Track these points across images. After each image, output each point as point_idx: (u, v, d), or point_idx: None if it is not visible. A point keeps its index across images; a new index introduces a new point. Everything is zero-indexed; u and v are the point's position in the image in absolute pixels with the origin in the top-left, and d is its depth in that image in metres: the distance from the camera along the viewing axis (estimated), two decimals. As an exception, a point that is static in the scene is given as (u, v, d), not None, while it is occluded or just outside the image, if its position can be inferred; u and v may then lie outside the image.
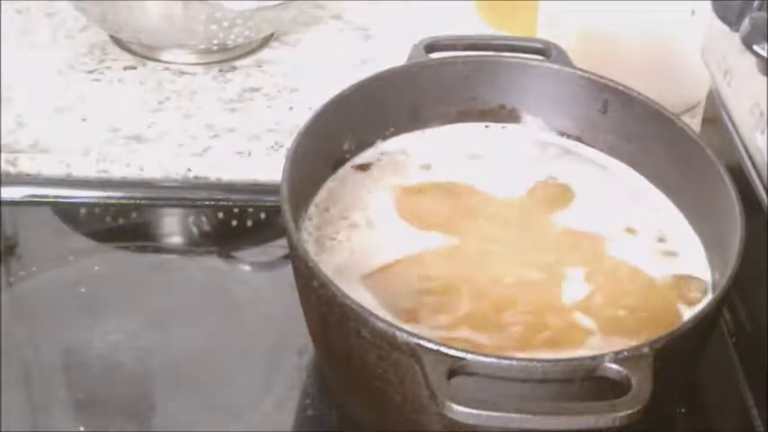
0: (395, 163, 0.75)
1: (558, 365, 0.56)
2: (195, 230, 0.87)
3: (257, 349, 0.73)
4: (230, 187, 0.87)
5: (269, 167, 0.85)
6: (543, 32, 0.91)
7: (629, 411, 0.54)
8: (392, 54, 0.86)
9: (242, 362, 0.73)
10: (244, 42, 0.97)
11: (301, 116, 0.84)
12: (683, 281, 0.68)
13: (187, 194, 0.86)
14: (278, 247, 0.81)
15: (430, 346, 0.56)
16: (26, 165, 0.86)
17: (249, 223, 0.86)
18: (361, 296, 0.63)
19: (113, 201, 0.85)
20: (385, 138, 0.76)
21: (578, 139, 0.77)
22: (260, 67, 0.98)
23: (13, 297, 0.77)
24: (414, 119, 0.77)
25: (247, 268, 0.83)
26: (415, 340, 0.57)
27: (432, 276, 0.67)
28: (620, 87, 0.75)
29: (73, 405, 0.71)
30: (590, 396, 0.56)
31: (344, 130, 0.74)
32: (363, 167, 0.74)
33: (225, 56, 0.98)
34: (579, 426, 0.54)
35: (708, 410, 0.72)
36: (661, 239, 0.71)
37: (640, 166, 0.75)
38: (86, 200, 0.85)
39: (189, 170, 0.87)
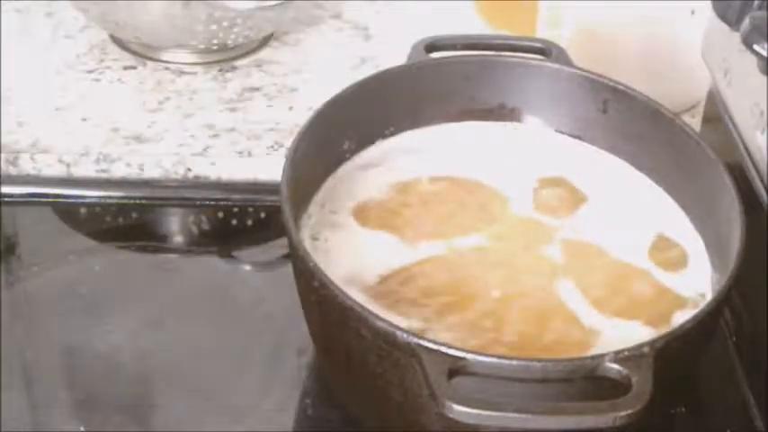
0: (394, 162, 0.75)
1: (558, 365, 0.56)
2: (195, 230, 0.87)
3: (257, 349, 0.73)
4: (230, 187, 0.87)
5: (269, 167, 0.85)
6: (543, 32, 0.91)
7: (630, 411, 0.54)
8: (392, 54, 0.87)
9: (242, 362, 0.73)
10: (244, 42, 0.97)
11: (301, 116, 0.84)
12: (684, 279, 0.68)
13: (187, 194, 0.86)
14: (278, 247, 0.81)
15: (430, 345, 0.56)
16: (26, 165, 0.86)
17: (249, 223, 0.86)
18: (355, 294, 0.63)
19: (113, 201, 0.85)
20: (385, 137, 0.76)
21: (578, 138, 0.77)
22: (260, 66, 0.98)
23: (13, 297, 0.77)
24: (414, 118, 0.77)
25: (247, 268, 0.83)
26: (416, 340, 0.57)
27: (429, 282, 0.67)
28: (620, 87, 0.75)
29: (73, 405, 0.71)
30: (590, 396, 0.56)
31: (344, 130, 0.74)
32: (363, 167, 0.74)
33: (225, 56, 0.98)
34: (579, 426, 0.54)
35: (708, 410, 0.72)
36: (663, 238, 0.71)
37: (641, 165, 0.75)
38: (86, 200, 0.85)
39: (189, 170, 0.87)
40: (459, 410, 0.53)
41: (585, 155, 0.77)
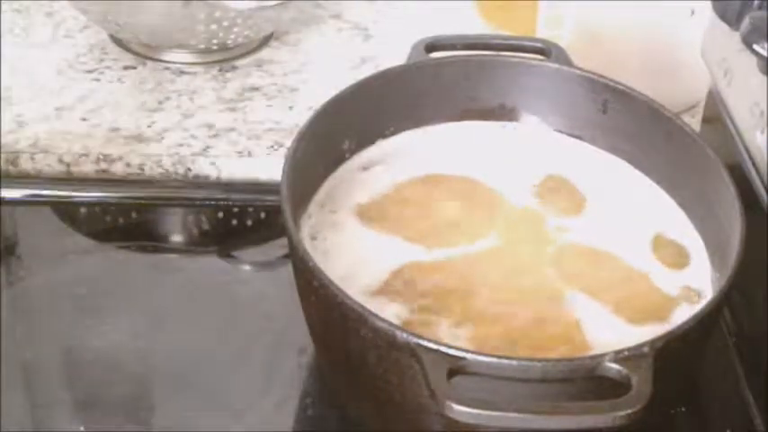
0: (394, 162, 0.75)
1: (558, 365, 0.56)
2: (195, 230, 0.87)
3: (257, 349, 0.73)
4: (230, 187, 0.87)
5: (269, 167, 0.85)
6: (543, 32, 0.91)
7: (630, 411, 0.54)
8: (392, 54, 0.87)
9: (242, 362, 0.73)
10: (244, 42, 0.97)
11: (301, 116, 0.85)
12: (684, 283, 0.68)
13: (187, 194, 0.86)
14: (278, 247, 0.81)
15: (430, 345, 0.56)
16: (26, 165, 0.86)
17: (249, 223, 0.86)
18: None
19: (113, 201, 0.85)
20: (385, 137, 0.76)
21: (578, 138, 0.77)
22: (260, 66, 0.98)
23: (13, 297, 0.77)
24: (414, 118, 0.77)
25: (247, 268, 0.83)
26: (415, 340, 0.57)
27: (428, 282, 0.67)
28: (620, 87, 0.75)
29: (73, 405, 0.71)
30: (590, 396, 0.56)
31: (344, 130, 0.74)
32: (363, 167, 0.74)
33: (225, 55, 0.98)
34: (579, 425, 0.54)
35: (708, 410, 0.72)
36: (663, 238, 0.71)
37: (641, 165, 0.75)
38: (86, 200, 0.85)
39: (189, 170, 0.87)
40: (459, 410, 0.53)
41: (585, 155, 0.77)
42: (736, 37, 0.67)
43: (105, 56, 0.98)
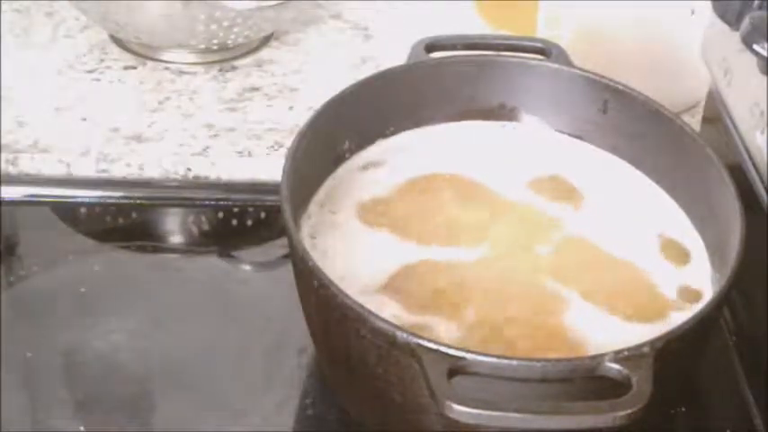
0: (394, 162, 0.75)
1: (558, 365, 0.56)
2: (195, 230, 0.87)
3: (257, 349, 0.73)
4: (230, 187, 0.87)
5: (269, 167, 0.85)
6: (543, 32, 0.91)
7: (630, 411, 0.54)
8: (392, 54, 0.87)
9: (242, 362, 0.73)
10: (244, 42, 0.97)
11: (301, 116, 0.85)
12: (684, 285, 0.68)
13: (187, 194, 0.86)
14: (278, 247, 0.81)
15: (430, 345, 0.56)
16: (26, 165, 0.86)
17: (249, 223, 0.86)
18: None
19: (113, 201, 0.85)
20: (385, 137, 0.76)
21: (578, 138, 0.77)
22: (260, 66, 0.98)
23: (13, 297, 0.77)
24: (414, 118, 0.77)
25: (247, 268, 0.83)
26: (415, 340, 0.57)
27: (428, 282, 0.67)
28: (620, 87, 0.75)
29: (73, 405, 0.71)
30: (590, 396, 0.56)
31: (344, 130, 0.74)
32: (363, 167, 0.74)
33: (225, 56, 0.98)
34: (579, 425, 0.54)
35: (708, 410, 0.72)
36: (663, 238, 0.71)
37: (641, 165, 0.75)
38: (86, 200, 0.85)
39: (189, 170, 0.87)
40: (459, 410, 0.53)
41: (585, 155, 0.77)
42: (736, 37, 0.67)
43: (105, 56, 0.98)
